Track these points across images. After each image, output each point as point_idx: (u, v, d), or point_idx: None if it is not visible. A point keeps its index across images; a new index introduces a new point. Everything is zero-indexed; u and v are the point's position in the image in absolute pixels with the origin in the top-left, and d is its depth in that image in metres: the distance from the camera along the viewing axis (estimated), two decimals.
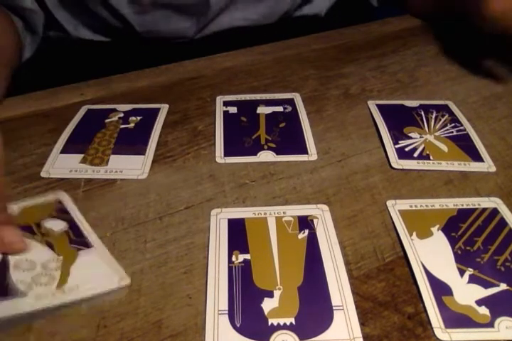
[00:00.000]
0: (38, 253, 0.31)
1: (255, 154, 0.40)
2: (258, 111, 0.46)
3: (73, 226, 0.33)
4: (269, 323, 0.27)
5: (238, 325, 0.27)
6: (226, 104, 0.47)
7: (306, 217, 0.34)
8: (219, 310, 0.28)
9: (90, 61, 0.61)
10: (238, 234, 0.33)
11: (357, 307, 0.28)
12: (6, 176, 0.32)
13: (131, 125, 0.44)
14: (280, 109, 0.46)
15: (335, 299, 0.29)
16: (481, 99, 0.48)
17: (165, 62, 0.54)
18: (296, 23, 0.65)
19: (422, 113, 0.45)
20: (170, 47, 0.60)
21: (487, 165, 0.39)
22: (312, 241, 0.32)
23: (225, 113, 0.46)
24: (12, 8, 0.51)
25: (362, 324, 0.27)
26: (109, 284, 0.29)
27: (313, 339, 0.27)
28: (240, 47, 0.57)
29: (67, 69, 0.59)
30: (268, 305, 0.28)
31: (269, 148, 0.41)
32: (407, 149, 0.41)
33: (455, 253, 0.31)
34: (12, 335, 0.27)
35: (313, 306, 0.28)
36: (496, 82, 0.50)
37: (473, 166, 0.39)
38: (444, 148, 0.41)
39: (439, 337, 0.27)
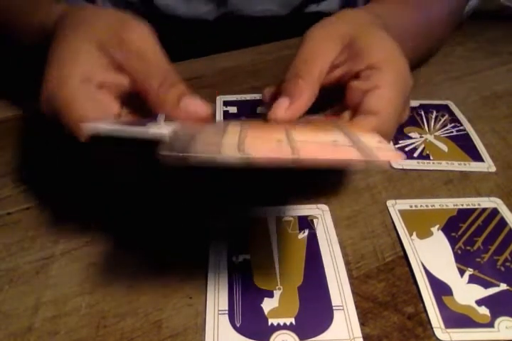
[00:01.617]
0: None
1: None
2: (258, 111, 0.46)
3: None
4: (269, 323, 0.27)
5: (238, 325, 0.27)
6: (226, 104, 0.47)
7: (306, 217, 0.34)
8: (219, 310, 0.28)
9: None
10: (238, 234, 0.33)
11: (357, 307, 0.28)
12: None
13: None
14: None
15: (335, 299, 0.29)
16: (481, 99, 0.48)
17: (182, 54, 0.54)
18: (307, 20, 0.65)
19: (422, 113, 0.45)
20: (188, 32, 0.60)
21: (487, 165, 0.39)
22: (312, 241, 0.32)
23: (225, 113, 0.46)
24: None
25: (362, 324, 0.27)
26: None
27: (313, 339, 0.27)
28: (256, 40, 0.57)
29: None
30: (268, 305, 0.28)
31: None
32: (407, 149, 0.41)
33: (455, 253, 0.31)
34: (12, 335, 0.27)
35: (313, 306, 0.28)
36: (495, 81, 0.50)
37: (473, 166, 0.39)
38: (444, 148, 0.41)
39: (439, 337, 0.27)
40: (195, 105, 0.28)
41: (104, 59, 0.28)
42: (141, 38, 0.28)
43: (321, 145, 0.22)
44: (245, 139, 0.22)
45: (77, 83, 0.27)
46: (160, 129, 0.23)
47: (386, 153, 0.20)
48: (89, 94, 0.27)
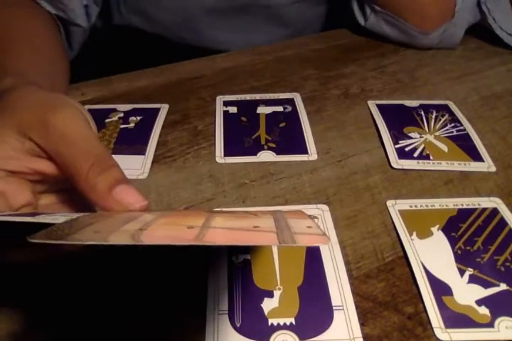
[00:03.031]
0: None
1: (255, 154, 0.40)
2: (258, 111, 0.46)
3: None
4: (269, 323, 0.27)
5: (238, 325, 0.27)
6: (226, 104, 0.47)
7: None
8: (219, 310, 0.28)
9: (92, 60, 0.60)
10: None
11: (357, 307, 0.28)
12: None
13: (131, 125, 0.44)
14: (280, 108, 0.46)
15: (335, 299, 0.29)
16: (481, 99, 0.48)
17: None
18: None
19: (422, 113, 0.45)
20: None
21: (487, 165, 0.39)
22: None
23: (225, 113, 0.46)
24: (62, 20, 0.49)
25: (362, 324, 0.27)
26: None
27: (313, 339, 0.27)
28: None
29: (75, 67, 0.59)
30: (268, 305, 0.28)
31: (269, 148, 0.41)
32: (407, 149, 0.41)
33: (455, 253, 0.31)
34: (12, 335, 0.27)
35: (313, 306, 0.28)
36: (495, 81, 0.50)
37: (473, 166, 0.39)
38: (444, 148, 0.41)
39: (439, 337, 0.27)
40: (128, 194, 0.25)
41: (23, 144, 0.26)
42: (67, 121, 0.26)
43: (232, 230, 0.21)
44: (151, 225, 0.21)
45: None
46: (46, 219, 0.21)
47: (310, 237, 0.20)
48: None
